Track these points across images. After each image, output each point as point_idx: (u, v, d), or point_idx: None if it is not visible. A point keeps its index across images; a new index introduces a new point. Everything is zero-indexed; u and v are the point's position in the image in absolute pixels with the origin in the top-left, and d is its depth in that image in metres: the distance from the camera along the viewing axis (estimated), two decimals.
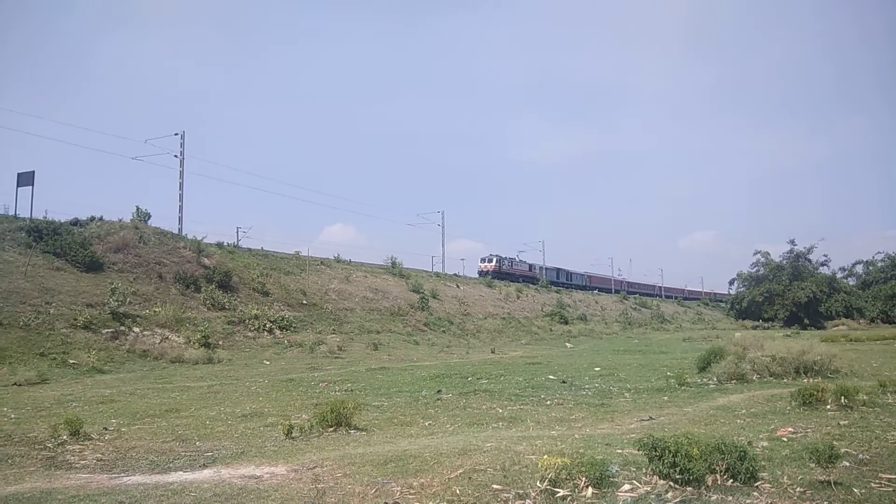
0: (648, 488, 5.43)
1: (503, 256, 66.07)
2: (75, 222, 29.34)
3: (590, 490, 5.35)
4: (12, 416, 10.60)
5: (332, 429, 8.74)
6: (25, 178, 30.58)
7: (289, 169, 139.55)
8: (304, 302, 33.67)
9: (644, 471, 5.75)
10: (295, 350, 25.92)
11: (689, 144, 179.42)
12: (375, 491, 5.40)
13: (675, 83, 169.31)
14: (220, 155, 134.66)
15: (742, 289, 67.79)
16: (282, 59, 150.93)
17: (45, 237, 26.42)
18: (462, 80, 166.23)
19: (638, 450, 6.06)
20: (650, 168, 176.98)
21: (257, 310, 28.90)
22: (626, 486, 5.49)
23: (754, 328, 52.16)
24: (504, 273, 63.91)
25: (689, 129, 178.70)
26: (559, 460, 5.63)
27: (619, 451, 6.72)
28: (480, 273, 62.53)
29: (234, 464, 6.84)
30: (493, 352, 29.37)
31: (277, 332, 28.01)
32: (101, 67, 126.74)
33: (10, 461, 7.09)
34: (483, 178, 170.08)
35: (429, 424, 9.41)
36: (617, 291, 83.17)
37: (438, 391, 13.13)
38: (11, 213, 29.44)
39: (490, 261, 64.34)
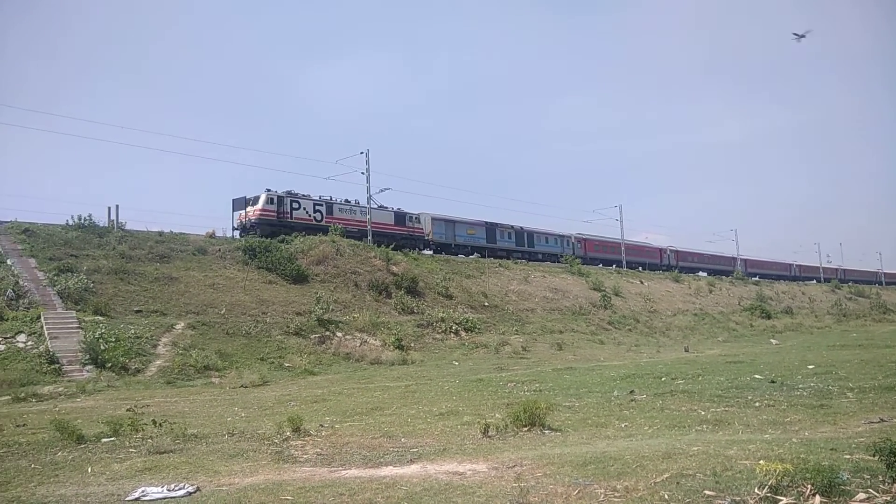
0: (888, 497, 4.80)
1: (289, 194, 36.92)
2: (282, 240, 32.61)
3: (817, 498, 4.84)
4: (242, 414, 11.98)
5: (526, 428, 8.80)
6: (238, 204, 34.82)
7: (464, 173, 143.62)
8: (486, 304, 34.37)
9: (881, 478, 5.09)
10: (480, 351, 26.55)
11: None
12: (578, 492, 5.34)
13: (880, 35, 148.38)
14: (397, 167, 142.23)
15: None
16: (446, 68, 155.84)
17: (258, 254, 29.71)
18: (632, 66, 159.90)
19: (872, 455, 5.39)
20: (856, 140, 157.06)
21: (443, 313, 30.05)
22: (861, 495, 4.89)
23: None
24: (299, 223, 36.21)
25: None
26: (779, 466, 5.15)
27: (848, 456, 6.01)
28: (241, 228, 36.08)
29: (437, 460, 7.14)
30: (686, 350, 27.79)
31: (463, 333, 28.88)
32: (294, 97, 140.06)
33: (244, 455, 7.94)
34: (664, 167, 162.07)
35: (625, 426, 9.11)
36: (827, 280, 74.67)
37: (631, 392, 12.68)
38: (229, 234, 33.59)
39: (255, 203, 35.83)
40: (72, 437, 8.91)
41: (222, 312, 24.04)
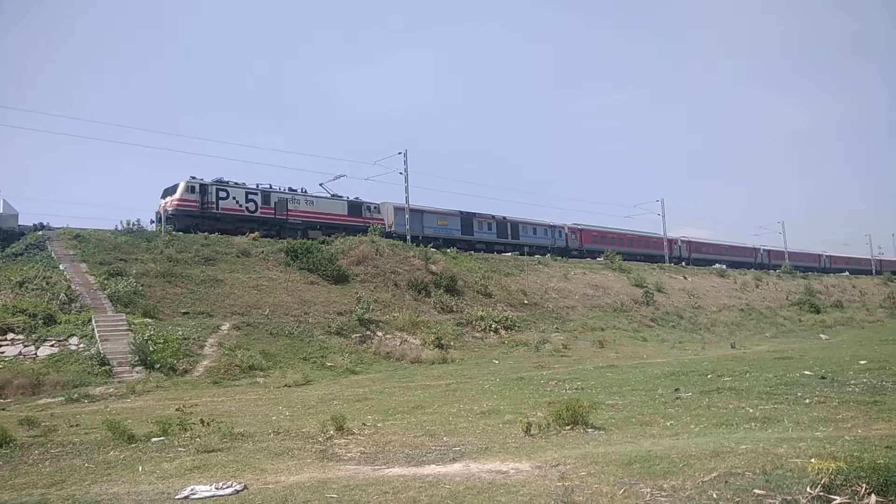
0: None
1: (217, 181, 33.71)
2: (323, 241, 33.04)
3: (873, 498, 4.66)
4: (287, 413, 12.14)
5: (569, 427, 8.70)
6: (280, 206, 35.53)
7: (500, 172, 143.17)
8: (525, 301, 34.20)
9: None
10: (521, 349, 26.44)
11: None
12: (624, 491, 5.26)
13: None
14: (430, 167, 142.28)
15: None
16: (480, 67, 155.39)
17: (300, 255, 30.18)
18: (670, 58, 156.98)
19: None
20: None
21: (482, 311, 30.04)
22: None
23: None
24: (228, 215, 33.64)
25: None
26: (832, 464, 5.00)
27: None
28: (159, 220, 32.64)
29: (480, 458, 7.12)
30: (732, 346, 27.20)
31: (502, 331, 28.83)
32: (333, 100, 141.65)
33: (289, 453, 8.05)
34: (707, 161, 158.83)
35: (670, 424, 8.94)
36: (878, 273, 72.06)
37: (676, 389, 12.44)
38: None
39: (172, 192, 32.86)
40: (123, 436, 9.17)
41: (266, 313, 24.45)
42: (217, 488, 6.18)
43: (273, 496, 5.81)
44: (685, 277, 48.65)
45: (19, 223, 29.77)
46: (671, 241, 60.49)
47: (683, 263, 56.60)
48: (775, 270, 62.76)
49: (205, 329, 21.94)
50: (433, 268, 33.48)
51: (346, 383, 18.02)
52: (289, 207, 36.15)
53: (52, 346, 19.17)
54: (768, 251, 69.62)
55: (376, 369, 21.46)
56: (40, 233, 28.32)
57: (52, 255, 25.87)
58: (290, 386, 17.44)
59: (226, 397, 15.39)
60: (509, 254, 44.14)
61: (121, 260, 26.23)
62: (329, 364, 21.28)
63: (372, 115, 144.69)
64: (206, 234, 31.52)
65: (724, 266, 60.45)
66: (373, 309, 26.92)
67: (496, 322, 29.29)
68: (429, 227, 41.80)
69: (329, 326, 24.48)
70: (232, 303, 24.90)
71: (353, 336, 24.38)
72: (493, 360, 23.48)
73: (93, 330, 19.93)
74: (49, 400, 15.58)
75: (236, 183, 34.43)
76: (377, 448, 8.25)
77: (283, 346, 22.22)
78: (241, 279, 27.19)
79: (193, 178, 33.17)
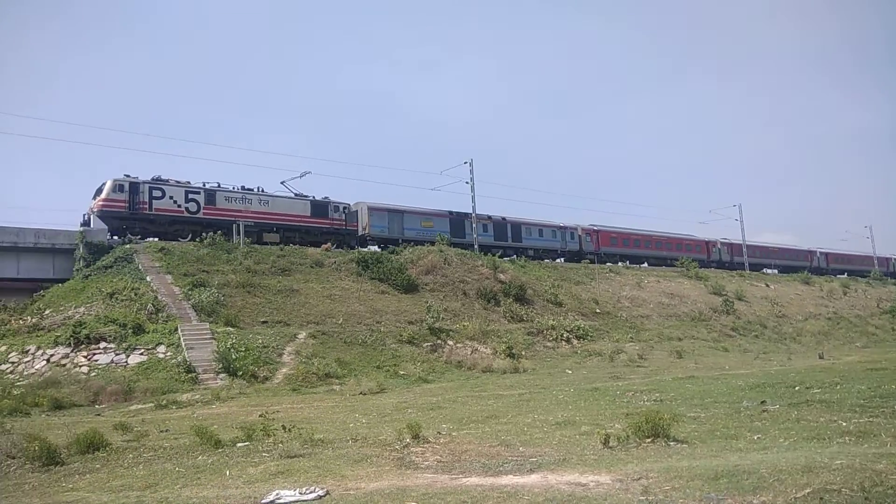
0: None
1: (154, 180, 31.44)
2: (392, 251, 33.52)
3: None
4: (363, 420, 12.36)
5: (649, 439, 8.47)
6: (350, 217, 36.41)
7: (562, 178, 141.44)
8: (598, 311, 33.63)
9: None
10: (594, 359, 25.98)
11: None
12: None
13: None
14: (500, 175, 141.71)
15: None
16: (546, 70, 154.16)
17: (371, 266, 30.76)
18: (745, 54, 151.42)
19: None
20: None
21: (553, 320, 29.74)
22: None
23: None
24: (163, 216, 31.39)
25: None
26: None
27: None
28: (86, 223, 30.62)
29: (558, 470, 7.02)
30: (821, 357, 25.89)
31: (574, 341, 28.42)
32: (398, 110, 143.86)
33: (368, 461, 8.17)
34: (789, 162, 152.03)
35: (758, 438, 8.58)
36: None
37: (763, 402, 11.92)
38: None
39: (100, 192, 30.65)
40: (210, 441, 9.54)
41: (339, 322, 25.01)
42: (301, 493, 6.35)
43: (354, 502, 5.93)
44: (767, 285, 46.73)
45: (108, 236, 31.30)
46: (709, 244, 55.05)
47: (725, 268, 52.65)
48: (835, 276, 58.94)
49: (282, 337, 22.61)
50: (501, 276, 33.41)
51: (419, 392, 18.19)
52: (237, 208, 33.44)
53: (142, 354, 20.19)
54: (826, 254, 65.13)
55: (448, 378, 21.56)
56: (128, 246, 29.85)
57: (139, 267, 27.26)
58: (365, 394, 17.73)
59: (304, 404, 15.80)
60: (511, 257, 40.73)
61: (203, 271, 27.40)
62: (402, 372, 21.54)
63: (434, 123, 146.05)
64: (280, 245, 32.54)
65: (776, 271, 56.84)
66: (443, 318, 27.08)
67: (567, 331, 28.92)
68: (410, 230, 38.50)
69: (401, 335, 24.80)
70: (307, 312, 25.60)
71: (425, 345, 24.59)
72: (566, 370, 23.16)
73: (179, 338, 20.87)
74: (140, 406, 16.41)
75: (177, 182, 32.29)
76: (453, 457, 8.27)
77: (356, 355, 22.64)
78: (316, 289, 27.92)
79: (126, 175, 31.08)
